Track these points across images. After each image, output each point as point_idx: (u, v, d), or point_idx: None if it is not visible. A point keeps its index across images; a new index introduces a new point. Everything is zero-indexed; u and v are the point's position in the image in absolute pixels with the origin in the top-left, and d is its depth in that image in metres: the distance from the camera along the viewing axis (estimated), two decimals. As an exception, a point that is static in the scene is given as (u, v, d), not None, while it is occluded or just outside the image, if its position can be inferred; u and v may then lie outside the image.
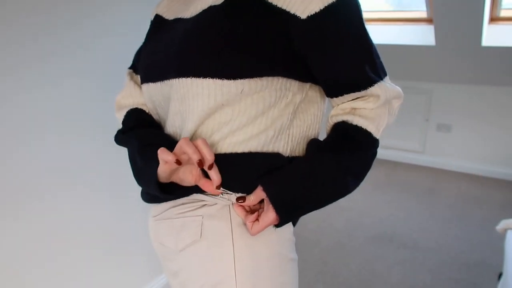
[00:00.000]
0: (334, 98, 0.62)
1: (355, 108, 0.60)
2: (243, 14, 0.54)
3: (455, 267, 2.10)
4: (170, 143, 0.61)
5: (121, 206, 1.59)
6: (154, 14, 0.75)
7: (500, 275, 1.53)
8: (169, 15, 0.70)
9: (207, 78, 0.54)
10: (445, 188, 3.14)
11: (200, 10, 0.59)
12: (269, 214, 0.58)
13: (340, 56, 0.56)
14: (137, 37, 1.50)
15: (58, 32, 1.25)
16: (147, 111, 0.72)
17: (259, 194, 0.59)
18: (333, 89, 0.60)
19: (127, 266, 1.67)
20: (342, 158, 0.58)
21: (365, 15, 3.24)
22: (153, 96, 0.65)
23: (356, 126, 0.59)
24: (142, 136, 0.66)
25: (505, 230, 1.56)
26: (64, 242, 1.39)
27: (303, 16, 0.53)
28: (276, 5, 0.54)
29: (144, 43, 0.73)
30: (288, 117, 0.61)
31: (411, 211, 2.76)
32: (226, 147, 0.59)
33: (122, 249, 1.63)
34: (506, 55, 2.80)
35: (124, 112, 0.74)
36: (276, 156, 0.60)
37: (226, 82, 0.54)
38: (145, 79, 0.66)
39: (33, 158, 1.24)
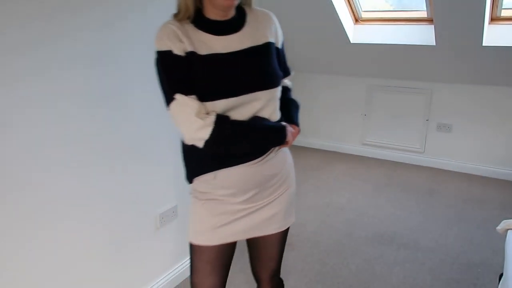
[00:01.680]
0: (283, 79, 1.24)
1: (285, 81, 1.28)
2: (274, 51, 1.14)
3: (455, 267, 2.10)
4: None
5: (127, 201, 1.59)
6: (186, 51, 1.01)
7: (500, 276, 1.53)
8: (203, 51, 1.02)
9: (273, 88, 1.10)
10: (445, 188, 3.14)
11: (245, 47, 1.07)
12: (296, 129, 1.19)
13: (286, 61, 1.24)
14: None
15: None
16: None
17: (292, 126, 1.18)
18: (284, 75, 1.23)
19: (133, 262, 1.67)
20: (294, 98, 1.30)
21: (365, 15, 3.25)
22: (229, 105, 1.03)
23: (287, 87, 1.28)
24: (256, 120, 1.08)
25: (506, 230, 1.56)
26: (70, 239, 1.38)
27: (280, 46, 1.17)
28: (277, 46, 1.15)
29: (200, 71, 1.02)
30: None
31: (411, 211, 2.76)
32: (274, 117, 1.14)
33: (128, 245, 1.63)
34: (507, 55, 2.80)
35: (212, 118, 1.00)
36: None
37: (278, 87, 1.12)
38: (224, 96, 1.02)
39: (35, 153, 1.24)
